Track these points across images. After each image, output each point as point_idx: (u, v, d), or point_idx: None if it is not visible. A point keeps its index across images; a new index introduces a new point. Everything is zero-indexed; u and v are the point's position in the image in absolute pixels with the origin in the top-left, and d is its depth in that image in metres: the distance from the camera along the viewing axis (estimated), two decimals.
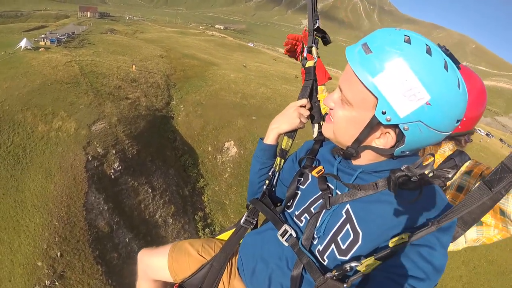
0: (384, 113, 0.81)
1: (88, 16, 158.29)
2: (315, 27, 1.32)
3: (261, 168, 1.32)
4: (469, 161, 1.33)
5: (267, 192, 1.29)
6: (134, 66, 33.96)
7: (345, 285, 0.87)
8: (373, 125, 0.87)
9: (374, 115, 0.84)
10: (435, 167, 0.81)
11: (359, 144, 0.94)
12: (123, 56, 39.08)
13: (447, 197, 1.06)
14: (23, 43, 36.50)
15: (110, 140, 22.37)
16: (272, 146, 1.30)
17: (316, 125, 1.34)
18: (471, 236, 1.24)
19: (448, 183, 1.17)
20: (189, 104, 32.64)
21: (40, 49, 36.91)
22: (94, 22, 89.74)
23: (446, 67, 0.77)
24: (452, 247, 1.32)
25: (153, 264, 1.38)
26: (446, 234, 0.84)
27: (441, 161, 1.26)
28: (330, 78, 1.62)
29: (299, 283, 0.99)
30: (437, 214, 0.84)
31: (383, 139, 0.89)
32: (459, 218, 0.99)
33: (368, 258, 0.85)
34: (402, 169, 0.78)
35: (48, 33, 58.16)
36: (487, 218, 1.17)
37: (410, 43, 0.77)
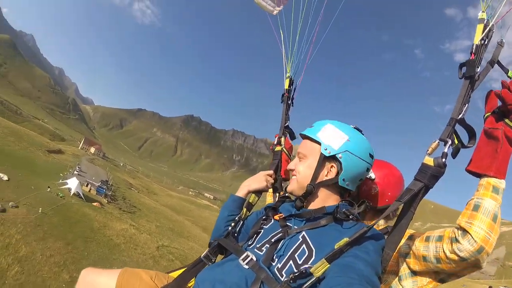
0: (325, 149, 1.35)
1: (92, 152, 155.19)
2: (286, 124, 2.04)
3: (229, 215, 1.59)
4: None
5: (231, 233, 1.49)
6: None
7: None
8: (321, 162, 1.35)
9: (321, 152, 1.36)
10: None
11: (315, 181, 1.35)
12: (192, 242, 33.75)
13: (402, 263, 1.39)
14: (74, 186, 29.30)
15: None
16: (241, 198, 1.65)
17: (277, 194, 1.84)
18: (408, 287, 1.37)
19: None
20: None
21: (94, 203, 30.62)
22: (107, 167, 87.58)
23: (352, 130, 1.42)
24: None
25: (99, 282, 1.33)
26: (369, 244, 1.14)
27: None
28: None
29: None
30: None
31: (330, 174, 1.36)
32: (387, 241, 1.22)
33: (318, 261, 1.07)
34: (343, 210, 1.24)
35: (78, 169, 52.76)
36: (415, 265, 1.33)
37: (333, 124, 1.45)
